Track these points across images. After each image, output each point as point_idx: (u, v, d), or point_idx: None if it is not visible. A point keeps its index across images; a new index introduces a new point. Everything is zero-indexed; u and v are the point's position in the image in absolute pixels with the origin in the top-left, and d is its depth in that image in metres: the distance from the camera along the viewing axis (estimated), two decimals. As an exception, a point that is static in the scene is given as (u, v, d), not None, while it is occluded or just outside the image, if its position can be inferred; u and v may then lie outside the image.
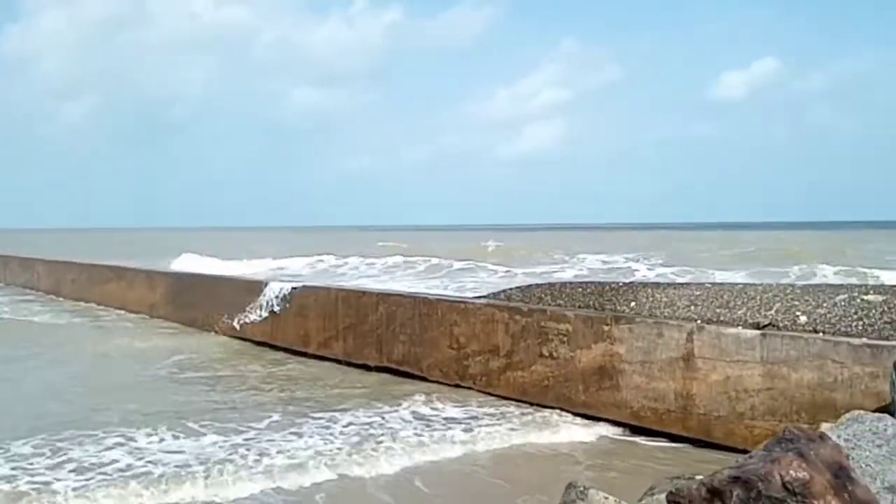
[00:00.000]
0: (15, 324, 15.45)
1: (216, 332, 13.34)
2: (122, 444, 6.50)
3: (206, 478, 5.68)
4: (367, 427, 7.11)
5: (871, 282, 13.96)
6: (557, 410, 7.64)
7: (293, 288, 11.80)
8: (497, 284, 16.51)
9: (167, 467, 5.91)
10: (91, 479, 5.64)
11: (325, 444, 6.57)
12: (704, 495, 2.73)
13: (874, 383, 5.71)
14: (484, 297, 9.63)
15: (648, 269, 23.38)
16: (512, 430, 7.10)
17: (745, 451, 5.10)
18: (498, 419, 7.45)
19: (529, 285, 9.36)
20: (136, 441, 6.60)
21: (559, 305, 8.22)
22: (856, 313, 6.44)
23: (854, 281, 16.83)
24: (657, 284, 8.51)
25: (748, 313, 6.82)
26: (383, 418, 7.45)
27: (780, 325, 6.55)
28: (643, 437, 6.97)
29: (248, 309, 12.39)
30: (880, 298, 6.61)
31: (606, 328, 7.35)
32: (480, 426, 7.19)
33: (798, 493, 2.54)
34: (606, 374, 7.34)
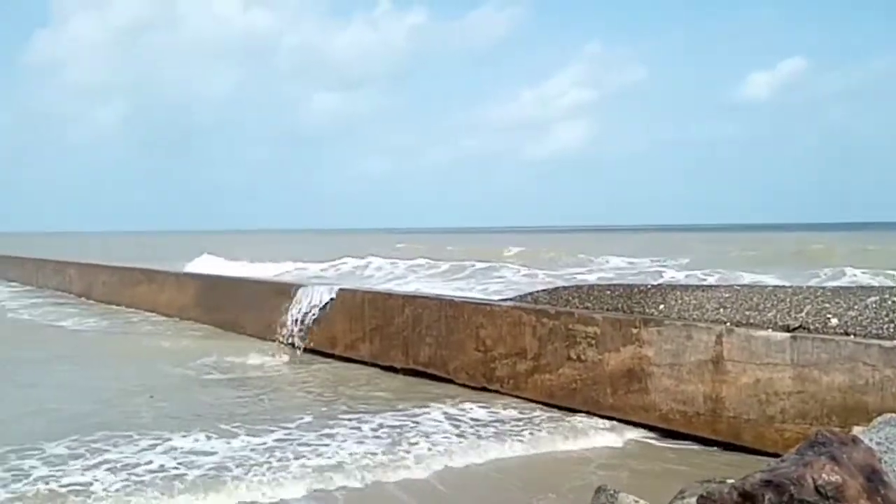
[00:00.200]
0: (46, 327, 15.68)
1: (244, 334, 13.48)
2: (155, 446, 6.57)
3: (244, 480, 5.73)
4: (397, 430, 7.14)
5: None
6: (585, 414, 7.64)
7: (327, 293, 11.85)
8: (520, 287, 16.53)
9: (202, 469, 5.96)
10: (127, 480, 5.71)
11: (358, 446, 6.60)
12: (736, 499, 2.75)
13: (906, 386, 5.66)
14: (510, 299, 9.64)
15: (676, 270, 23.26)
16: (540, 433, 7.10)
17: (775, 455, 5.09)
18: (525, 423, 7.45)
19: (557, 287, 9.35)
20: (169, 442, 6.68)
21: (587, 308, 8.21)
22: (887, 315, 6.37)
23: (883, 282, 16.64)
24: (686, 287, 8.47)
25: (778, 316, 6.77)
26: (414, 421, 7.47)
27: (811, 327, 6.50)
28: (672, 441, 6.95)
29: (276, 312, 12.49)
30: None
31: (635, 331, 7.34)
32: (508, 430, 7.20)
33: (831, 496, 2.54)
34: (635, 377, 7.33)
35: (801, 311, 6.74)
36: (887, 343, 5.91)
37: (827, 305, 6.72)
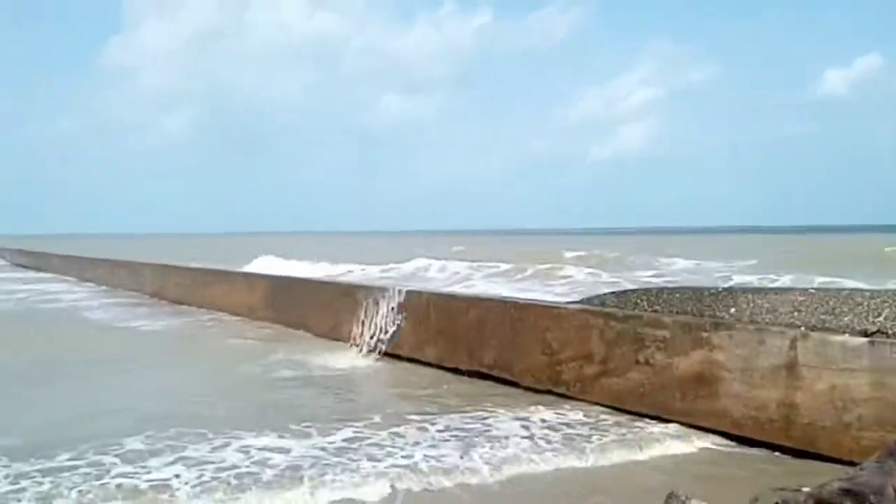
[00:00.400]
0: (121, 328, 16.16)
1: (312, 334, 13.72)
2: (228, 444, 6.72)
3: (318, 480, 5.81)
4: (466, 433, 7.15)
5: None
6: (653, 419, 7.55)
7: (394, 295, 11.96)
8: (585, 289, 16.39)
9: (276, 469, 6.07)
10: (202, 477, 5.86)
11: (430, 449, 6.64)
12: (813, 507, 2.69)
13: None
14: (577, 302, 9.58)
15: (748, 274, 22.74)
16: (608, 438, 7.04)
17: (851, 463, 4.95)
18: (592, 427, 7.39)
19: (625, 291, 9.25)
20: (241, 440, 6.82)
21: (655, 311, 8.10)
22: (971, 321, 6.14)
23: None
24: (758, 290, 8.27)
25: (855, 320, 6.58)
26: (484, 424, 7.47)
27: (890, 332, 6.30)
28: (743, 447, 6.81)
29: (343, 313, 12.67)
30: None
31: (705, 335, 7.22)
32: (576, 434, 7.16)
33: (914, 507, 2.48)
34: (705, 382, 7.21)
35: (880, 315, 6.54)
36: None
37: (907, 310, 6.51)
